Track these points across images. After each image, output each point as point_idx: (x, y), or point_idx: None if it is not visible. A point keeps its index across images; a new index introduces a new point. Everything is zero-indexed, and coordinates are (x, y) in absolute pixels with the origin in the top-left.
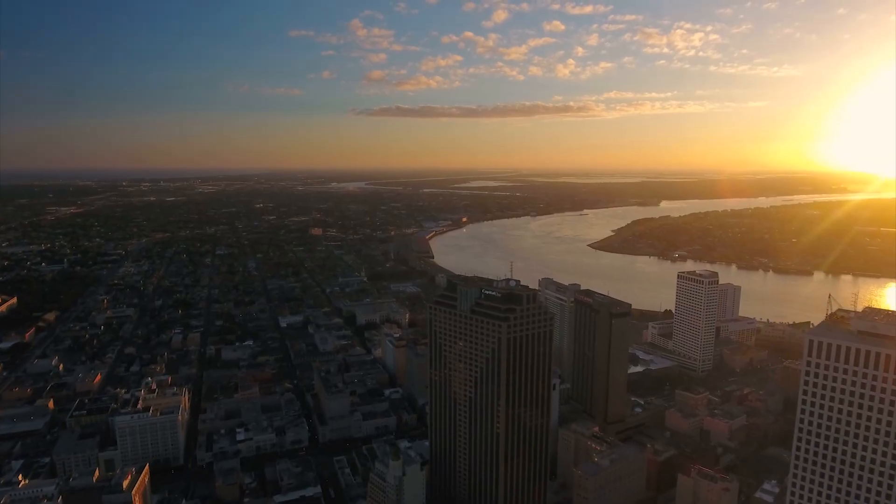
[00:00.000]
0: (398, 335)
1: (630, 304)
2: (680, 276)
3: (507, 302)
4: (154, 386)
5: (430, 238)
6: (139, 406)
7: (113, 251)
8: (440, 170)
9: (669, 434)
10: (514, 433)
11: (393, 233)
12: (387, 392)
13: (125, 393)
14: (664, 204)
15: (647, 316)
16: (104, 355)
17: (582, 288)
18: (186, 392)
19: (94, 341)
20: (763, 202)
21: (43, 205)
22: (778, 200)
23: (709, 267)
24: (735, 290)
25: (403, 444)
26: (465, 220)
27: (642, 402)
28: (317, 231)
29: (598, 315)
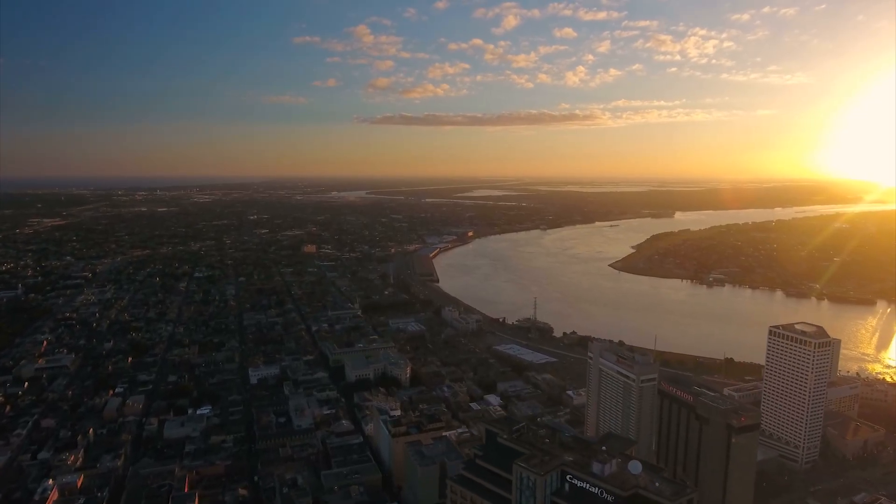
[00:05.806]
0: (395, 411)
1: (759, 413)
2: (773, 333)
3: None
4: (52, 497)
5: (434, 256)
6: None
7: (79, 273)
8: (443, 178)
9: None
10: None
11: (393, 250)
12: None
13: None
14: (678, 215)
15: (704, 367)
16: (14, 430)
17: (646, 356)
18: None
19: (8, 407)
20: (781, 213)
21: (26, 216)
22: (791, 211)
23: (750, 292)
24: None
25: None
26: (471, 234)
27: None
28: (310, 248)
29: (706, 425)
